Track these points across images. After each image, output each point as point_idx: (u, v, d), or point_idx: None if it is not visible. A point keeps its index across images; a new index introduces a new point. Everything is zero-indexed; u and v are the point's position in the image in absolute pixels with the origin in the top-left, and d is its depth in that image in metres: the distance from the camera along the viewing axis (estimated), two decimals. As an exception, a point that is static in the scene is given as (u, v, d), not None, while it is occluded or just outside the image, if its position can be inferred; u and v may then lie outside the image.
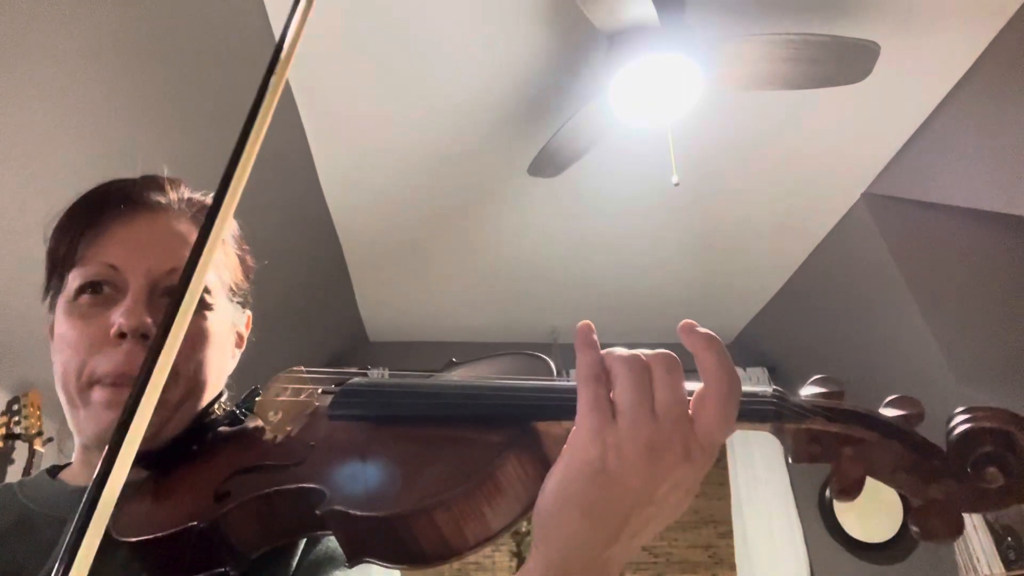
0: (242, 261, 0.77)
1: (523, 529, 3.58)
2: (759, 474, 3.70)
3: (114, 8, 1.72)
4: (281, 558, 0.62)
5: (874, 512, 3.66)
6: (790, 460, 0.47)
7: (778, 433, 0.46)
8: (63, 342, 0.65)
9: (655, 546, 3.77)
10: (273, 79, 0.53)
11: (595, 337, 0.46)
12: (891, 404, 0.47)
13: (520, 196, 2.79)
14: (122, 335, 0.62)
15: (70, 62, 1.75)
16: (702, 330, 0.45)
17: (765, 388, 0.47)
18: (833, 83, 1.96)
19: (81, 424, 0.65)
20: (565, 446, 0.45)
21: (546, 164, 2.32)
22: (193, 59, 1.97)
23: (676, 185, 2.08)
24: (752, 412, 0.45)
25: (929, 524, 0.43)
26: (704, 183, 2.73)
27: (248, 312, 0.78)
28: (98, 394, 0.63)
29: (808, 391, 0.48)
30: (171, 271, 0.67)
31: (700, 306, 3.62)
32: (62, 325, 0.66)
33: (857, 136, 2.52)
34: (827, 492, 3.72)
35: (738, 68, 1.93)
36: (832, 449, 0.45)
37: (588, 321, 0.46)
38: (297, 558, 0.63)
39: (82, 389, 0.63)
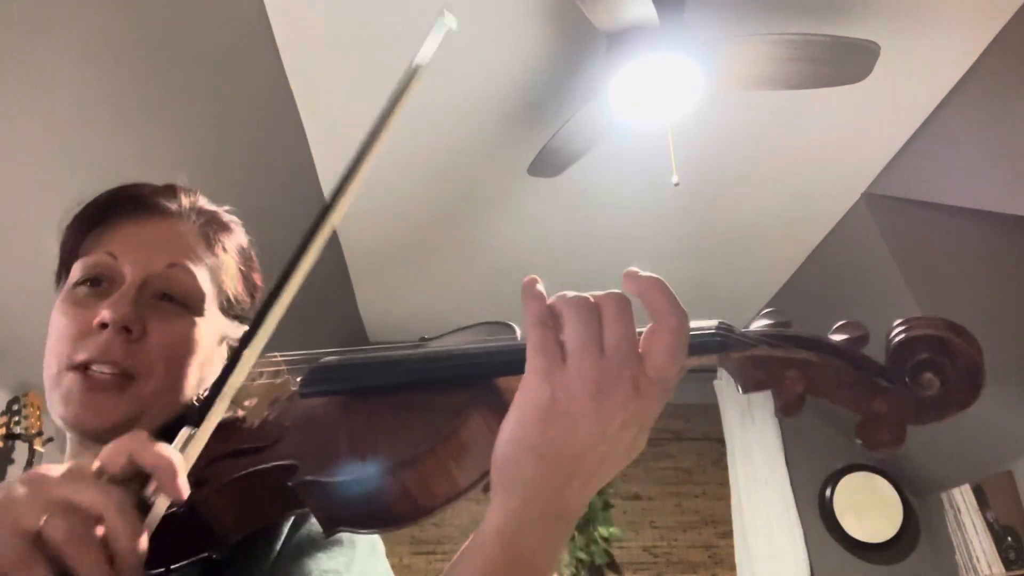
0: (245, 276, 0.77)
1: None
2: (759, 474, 3.70)
3: (115, 11, 1.72)
4: (263, 542, 0.63)
5: (874, 512, 3.67)
6: (740, 390, 0.48)
7: (724, 363, 0.48)
8: (53, 329, 0.67)
9: (655, 546, 3.77)
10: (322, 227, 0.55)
11: (540, 288, 0.47)
12: (838, 330, 0.48)
13: (520, 196, 2.79)
14: (103, 325, 0.63)
15: (71, 64, 1.75)
16: (645, 274, 0.46)
17: (710, 321, 0.48)
18: (833, 83, 1.96)
19: (53, 408, 0.66)
20: (518, 391, 0.46)
21: (546, 164, 2.32)
22: (194, 61, 1.97)
23: (676, 185, 2.08)
24: (699, 344, 0.46)
25: (874, 436, 0.45)
26: (704, 183, 2.72)
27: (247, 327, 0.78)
28: (70, 380, 0.64)
29: (756, 323, 0.50)
30: (168, 267, 0.68)
31: (700, 306, 3.59)
32: (56, 313, 0.68)
33: (857, 136, 2.52)
34: (827, 492, 3.72)
35: (738, 68, 1.93)
36: (776, 373, 0.46)
37: (532, 276, 0.47)
38: (280, 542, 0.63)
39: (60, 372, 0.65)
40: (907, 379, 0.45)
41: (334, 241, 3.01)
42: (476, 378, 0.52)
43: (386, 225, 2.94)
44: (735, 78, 1.97)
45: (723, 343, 0.47)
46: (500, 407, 0.49)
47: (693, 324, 0.47)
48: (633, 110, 1.99)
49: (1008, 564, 3.06)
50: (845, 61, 1.89)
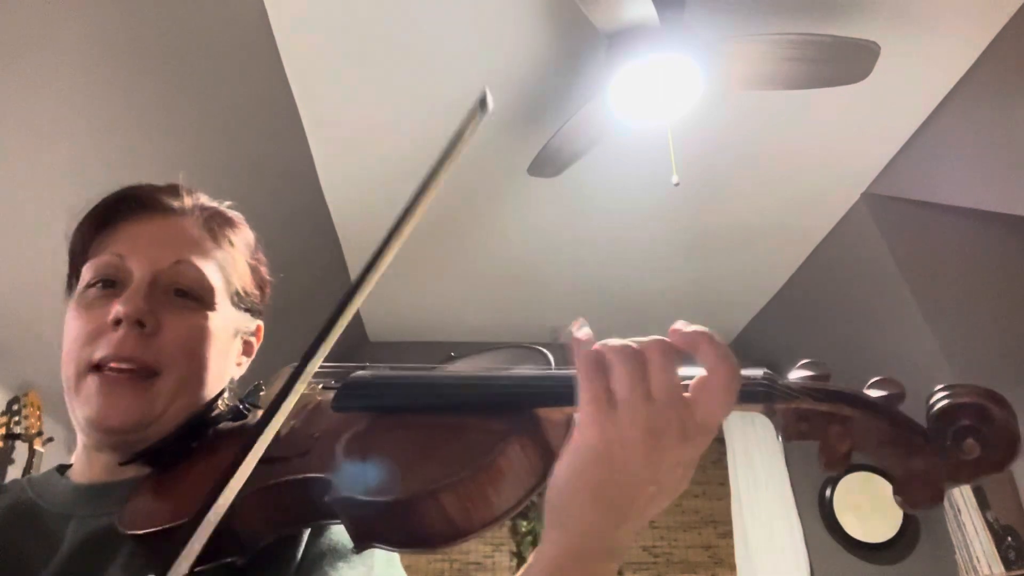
0: (254, 271, 0.78)
1: (522, 529, 3.58)
2: (759, 474, 3.70)
3: (114, 11, 1.72)
4: (285, 549, 0.63)
5: (874, 512, 3.67)
6: (780, 439, 0.49)
7: (769, 413, 0.48)
8: (68, 332, 0.68)
9: (655, 546, 3.77)
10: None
11: (588, 331, 0.49)
12: (874, 385, 0.49)
13: (520, 196, 2.79)
14: (118, 321, 0.64)
15: (70, 64, 1.75)
16: (691, 328, 0.47)
17: (756, 371, 0.49)
18: (833, 83, 1.96)
19: (75, 411, 0.66)
20: (571, 437, 0.47)
21: (546, 164, 2.32)
22: (193, 61, 1.97)
23: (676, 185, 2.08)
24: (745, 394, 0.47)
25: (911, 495, 0.46)
26: (704, 183, 2.72)
27: (259, 322, 0.79)
28: (91, 381, 0.64)
29: (796, 374, 0.50)
30: (174, 264, 0.69)
31: (700, 306, 3.62)
32: (69, 316, 0.68)
33: (857, 136, 2.52)
34: (827, 492, 3.72)
35: (738, 68, 1.93)
36: (820, 427, 0.47)
37: (580, 317, 0.49)
38: (302, 549, 0.64)
39: (79, 375, 0.65)
40: (949, 443, 0.46)
41: (334, 241, 3.01)
42: (515, 407, 0.52)
43: (386, 224, 2.93)
44: (735, 78, 1.97)
45: (768, 394, 0.48)
46: (539, 437, 0.50)
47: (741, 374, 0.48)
48: (633, 110, 1.99)
49: (1008, 564, 3.06)
50: (845, 61, 1.89)
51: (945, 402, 0.46)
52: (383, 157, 2.53)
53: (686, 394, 0.46)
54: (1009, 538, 3.07)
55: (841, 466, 0.47)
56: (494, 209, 2.89)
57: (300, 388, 0.50)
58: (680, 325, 0.48)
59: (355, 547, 0.51)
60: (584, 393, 0.47)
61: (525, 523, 3.56)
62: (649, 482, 0.46)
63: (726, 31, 2.00)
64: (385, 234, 0.54)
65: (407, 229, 0.54)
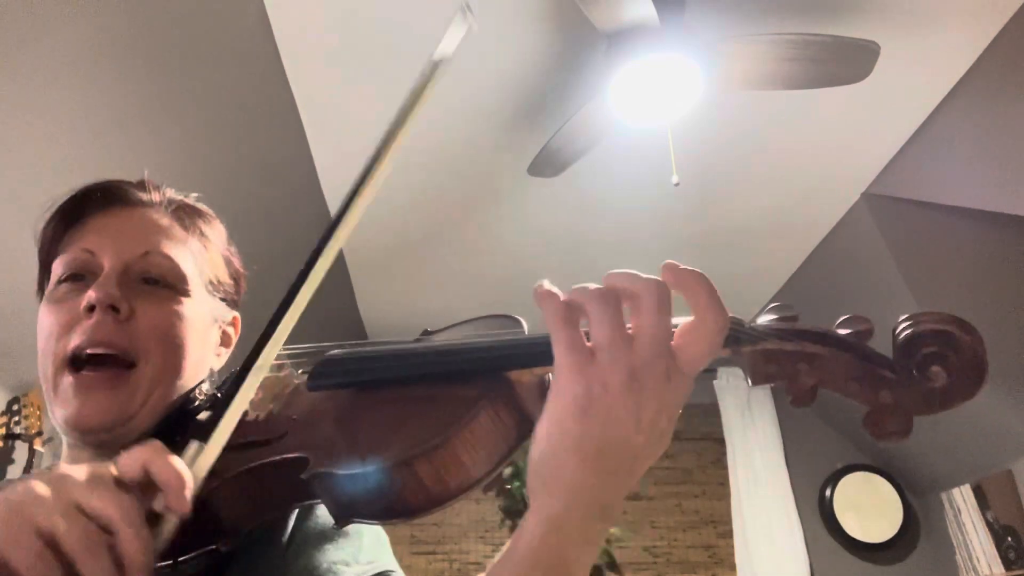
0: (228, 262, 0.78)
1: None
2: (759, 474, 3.70)
3: (113, 11, 1.72)
4: (270, 535, 0.63)
5: (874, 512, 3.67)
6: (750, 383, 0.49)
7: (736, 357, 0.48)
8: (41, 330, 0.67)
9: (655, 546, 3.77)
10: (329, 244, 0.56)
11: (551, 288, 0.47)
12: (843, 324, 0.50)
13: (520, 196, 2.79)
14: (91, 308, 0.64)
15: (70, 65, 1.75)
16: (686, 268, 0.46)
17: None
18: (833, 83, 1.96)
19: (55, 412, 0.66)
20: (550, 391, 0.46)
21: (546, 164, 2.32)
22: (194, 61, 1.97)
23: (676, 185, 2.08)
24: None
25: (881, 426, 0.46)
26: (704, 183, 2.72)
27: (236, 313, 0.79)
28: (66, 382, 0.64)
29: (764, 318, 0.51)
30: (144, 254, 0.69)
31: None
32: (41, 314, 0.68)
33: (857, 136, 2.52)
34: (827, 492, 3.72)
35: (738, 68, 1.93)
36: (787, 367, 0.47)
37: (540, 281, 0.48)
38: (287, 534, 0.64)
39: (56, 372, 0.65)
40: (915, 372, 0.46)
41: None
42: (486, 371, 0.52)
43: (386, 224, 2.94)
44: (735, 78, 1.97)
45: (735, 337, 0.48)
46: (511, 400, 0.50)
47: None
48: (633, 110, 1.99)
49: (1008, 564, 3.06)
50: (845, 61, 1.89)
51: (909, 331, 0.46)
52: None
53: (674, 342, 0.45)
54: (1009, 538, 3.07)
55: (808, 400, 0.47)
56: (494, 209, 2.89)
57: (272, 352, 0.50)
58: (673, 262, 0.47)
59: (336, 523, 0.51)
60: (559, 344, 0.45)
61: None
62: (635, 430, 0.44)
63: (726, 31, 2.00)
64: (369, 158, 0.54)
65: (390, 155, 0.56)
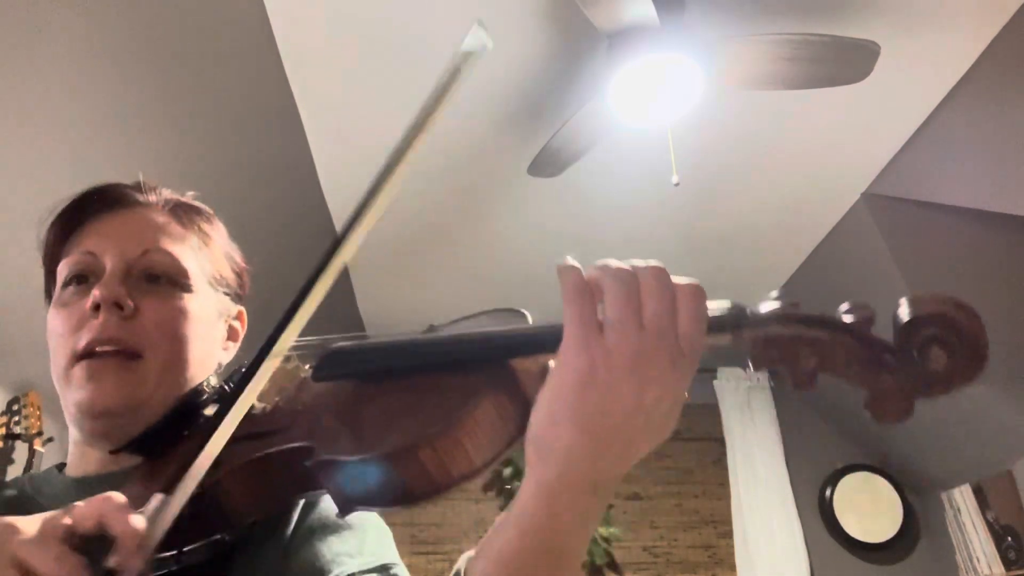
0: (229, 257, 0.79)
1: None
2: (759, 474, 3.70)
3: (113, 11, 1.72)
4: (274, 526, 0.64)
5: (874, 512, 3.67)
6: (751, 367, 0.49)
7: (737, 341, 0.48)
8: (51, 333, 0.69)
9: (655, 546, 3.77)
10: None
11: (574, 262, 0.48)
12: (844, 312, 0.50)
13: (520, 196, 2.79)
14: (96, 307, 0.65)
15: (70, 65, 1.75)
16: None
17: (723, 302, 0.49)
18: (833, 83, 1.96)
19: (68, 402, 0.67)
20: (554, 363, 0.46)
21: (546, 164, 2.32)
22: (194, 61, 1.97)
23: (676, 185, 2.08)
24: (714, 322, 0.47)
25: (883, 409, 0.46)
26: (704, 183, 2.72)
27: (241, 308, 0.80)
28: (78, 369, 0.66)
29: (766, 305, 0.51)
30: (145, 252, 0.70)
31: (700, 306, 3.61)
32: (50, 318, 0.70)
33: (857, 136, 2.52)
34: (827, 492, 3.72)
35: (738, 68, 1.93)
36: (788, 351, 0.47)
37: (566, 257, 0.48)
38: (292, 525, 0.64)
39: (68, 368, 0.66)
40: (915, 354, 0.46)
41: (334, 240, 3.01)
42: (490, 360, 0.53)
43: (386, 225, 2.94)
44: (735, 78, 1.97)
45: (736, 321, 0.48)
46: (514, 388, 0.51)
47: (707, 304, 0.48)
48: (633, 110, 1.99)
49: (1008, 564, 3.06)
50: (845, 61, 1.89)
51: (910, 314, 0.46)
52: (383, 155, 2.53)
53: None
54: (1009, 538, 3.07)
55: (809, 384, 0.47)
56: (494, 209, 2.89)
57: (283, 348, 0.51)
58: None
59: (339, 511, 0.52)
60: (571, 316, 0.45)
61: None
62: (635, 411, 0.44)
63: (726, 31, 2.00)
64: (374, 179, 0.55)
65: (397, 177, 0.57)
